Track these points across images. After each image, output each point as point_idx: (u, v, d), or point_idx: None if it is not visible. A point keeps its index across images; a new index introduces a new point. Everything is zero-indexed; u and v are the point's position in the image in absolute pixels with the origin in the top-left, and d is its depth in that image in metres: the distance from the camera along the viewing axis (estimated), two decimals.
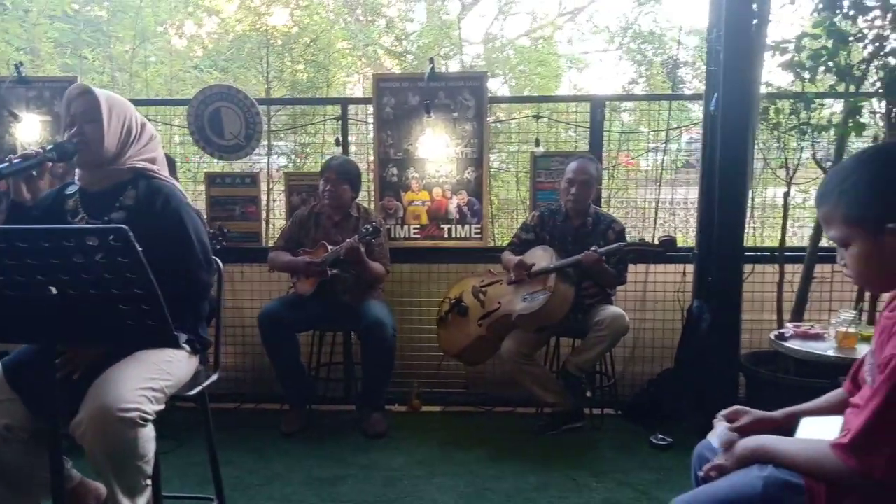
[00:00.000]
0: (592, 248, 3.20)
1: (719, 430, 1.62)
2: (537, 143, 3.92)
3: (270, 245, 3.81)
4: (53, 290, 1.50)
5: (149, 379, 1.87)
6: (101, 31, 7.38)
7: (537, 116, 4.02)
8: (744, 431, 1.60)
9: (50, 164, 1.91)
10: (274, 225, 4.23)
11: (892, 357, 1.27)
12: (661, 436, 3.23)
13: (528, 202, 3.98)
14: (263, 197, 4.06)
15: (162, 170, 2.12)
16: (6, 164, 1.82)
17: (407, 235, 3.91)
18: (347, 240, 3.32)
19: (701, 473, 1.59)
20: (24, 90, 3.99)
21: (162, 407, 1.90)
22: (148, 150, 2.10)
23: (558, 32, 9.92)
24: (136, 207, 2.01)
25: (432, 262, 3.90)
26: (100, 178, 2.05)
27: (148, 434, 1.82)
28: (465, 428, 3.50)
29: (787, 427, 1.63)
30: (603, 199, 3.90)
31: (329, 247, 3.40)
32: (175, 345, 1.84)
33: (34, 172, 1.89)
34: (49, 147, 1.92)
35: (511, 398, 3.68)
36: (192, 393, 2.08)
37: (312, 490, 2.79)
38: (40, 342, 1.61)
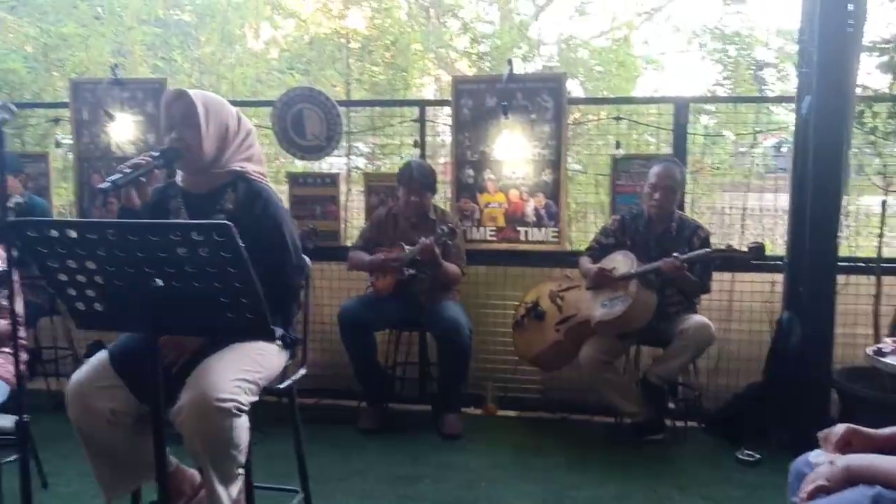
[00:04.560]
0: (674, 255, 3.11)
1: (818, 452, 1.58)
2: (618, 146, 3.84)
3: (348, 244, 3.87)
4: (159, 281, 1.56)
5: (244, 370, 1.92)
6: (190, 34, 7.69)
7: (618, 118, 3.94)
8: (840, 443, 1.54)
9: (157, 170, 1.98)
10: (351, 224, 4.29)
11: None
12: (747, 451, 3.11)
13: (606, 206, 3.91)
14: (342, 197, 4.12)
15: (259, 166, 2.17)
16: (120, 175, 1.89)
17: (483, 237, 3.89)
18: (423, 239, 3.33)
19: (803, 495, 1.53)
20: (119, 91, 4.16)
21: (255, 398, 1.95)
22: (245, 147, 2.14)
23: (634, 33, 9.73)
24: (235, 211, 2.05)
25: (508, 264, 3.87)
26: (201, 182, 2.11)
27: (243, 424, 1.87)
28: (542, 434, 3.46)
29: (889, 449, 1.55)
30: (685, 204, 3.79)
31: (406, 247, 3.42)
32: (271, 338, 1.88)
33: (143, 179, 1.96)
34: (156, 154, 1.98)
35: (588, 406, 3.61)
36: (282, 386, 2.13)
37: (391, 487, 2.82)
38: (145, 331, 1.67)
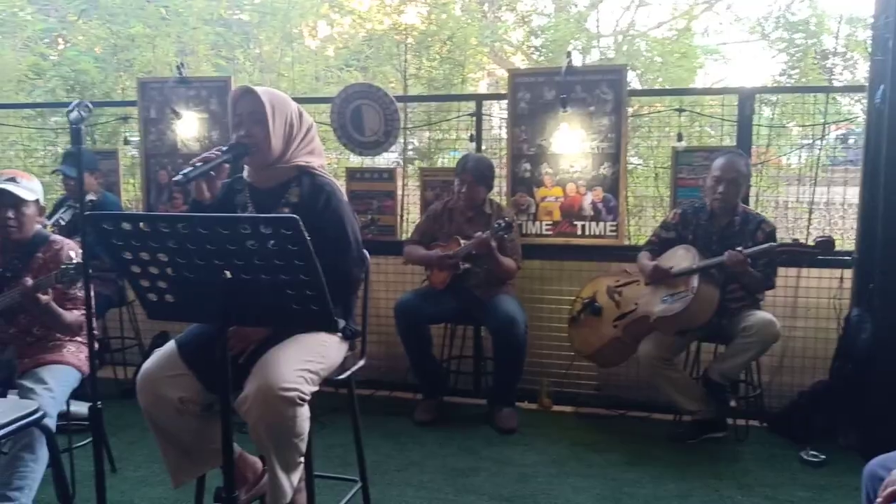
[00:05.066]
0: (738, 249, 3.03)
1: None
2: (679, 138, 3.76)
3: (405, 238, 3.90)
4: (228, 273, 1.60)
5: (306, 361, 1.96)
6: (250, 33, 7.87)
7: (679, 110, 3.85)
8: None
9: (227, 165, 2.04)
10: (408, 219, 4.33)
11: None
12: (812, 452, 3.01)
13: (666, 199, 3.84)
14: (399, 191, 4.16)
15: (320, 160, 2.21)
16: (191, 168, 1.94)
17: (539, 232, 3.86)
18: (478, 233, 3.34)
19: (880, 499, 1.48)
20: (185, 90, 4.28)
21: (316, 388, 1.99)
22: (307, 141, 2.19)
23: (694, 23, 9.49)
24: (300, 205, 2.10)
25: (564, 259, 3.83)
26: (267, 177, 2.15)
27: (304, 413, 1.91)
28: (598, 430, 3.43)
29: None
30: (750, 198, 3.68)
31: (462, 241, 3.43)
32: (334, 329, 1.92)
33: (213, 173, 2.02)
34: (225, 149, 2.03)
35: (646, 402, 3.56)
36: (342, 377, 2.17)
37: (448, 480, 2.85)
38: (214, 322, 1.72)
